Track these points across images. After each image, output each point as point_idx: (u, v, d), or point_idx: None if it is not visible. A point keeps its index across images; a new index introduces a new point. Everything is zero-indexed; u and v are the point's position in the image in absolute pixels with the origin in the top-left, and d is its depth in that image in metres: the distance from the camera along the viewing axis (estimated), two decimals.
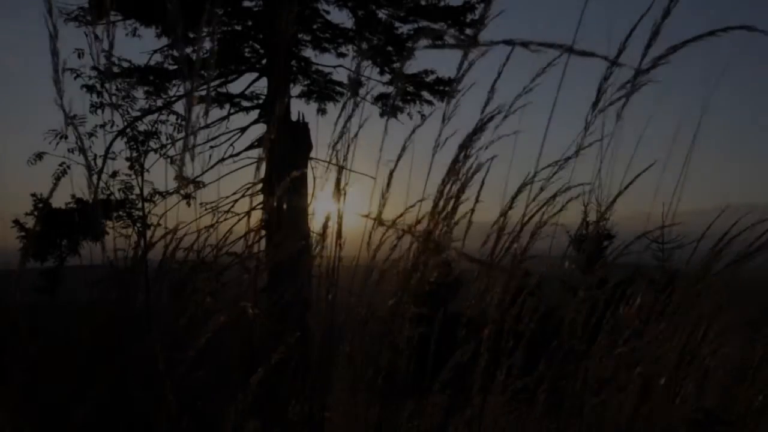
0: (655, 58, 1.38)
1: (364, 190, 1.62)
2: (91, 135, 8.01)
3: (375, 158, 1.58)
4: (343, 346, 1.60)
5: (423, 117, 9.40)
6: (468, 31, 10.18)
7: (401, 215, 1.61)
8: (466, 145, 1.53)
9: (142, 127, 8.09)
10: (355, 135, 1.57)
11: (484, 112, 1.53)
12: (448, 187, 1.55)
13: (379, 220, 1.53)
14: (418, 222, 1.59)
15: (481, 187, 1.69)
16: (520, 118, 1.56)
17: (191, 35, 9.47)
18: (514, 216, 1.69)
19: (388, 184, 1.56)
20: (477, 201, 1.66)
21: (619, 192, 1.69)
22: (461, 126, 1.57)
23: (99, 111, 8.27)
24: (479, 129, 1.52)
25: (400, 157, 1.57)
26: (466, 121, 1.58)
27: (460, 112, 1.55)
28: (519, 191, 1.65)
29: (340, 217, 1.56)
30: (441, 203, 1.55)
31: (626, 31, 1.41)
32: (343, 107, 1.54)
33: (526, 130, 1.60)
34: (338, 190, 1.56)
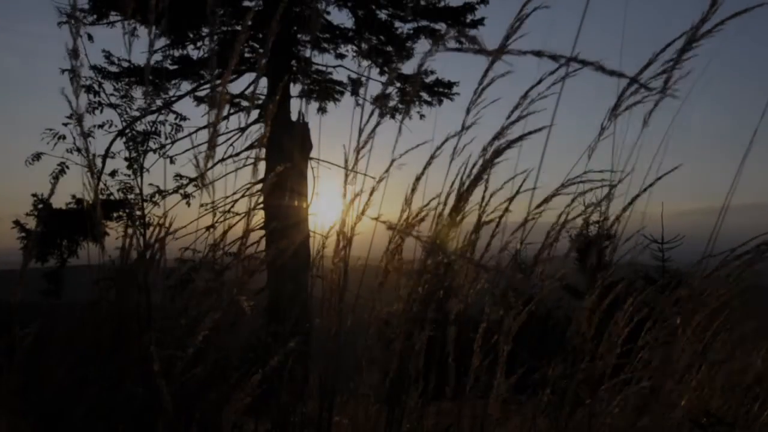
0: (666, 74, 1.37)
1: (376, 192, 1.61)
2: (88, 135, 8.00)
3: (387, 161, 1.57)
4: (352, 349, 1.60)
5: (422, 117, 9.32)
6: (471, 31, 10.15)
7: (419, 219, 1.60)
8: (491, 158, 1.52)
9: (141, 127, 8.09)
10: (364, 138, 1.55)
11: (510, 117, 1.52)
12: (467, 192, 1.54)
13: (395, 227, 1.52)
14: (435, 226, 1.57)
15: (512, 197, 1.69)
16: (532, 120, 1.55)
17: (191, 35, 9.49)
18: (512, 217, 1.69)
19: (413, 190, 1.56)
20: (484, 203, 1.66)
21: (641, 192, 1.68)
22: (478, 133, 1.57)
23: (97, 111, 8.28)
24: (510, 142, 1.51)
25: (428, 164, 1.56)
26: (483, 126, 1.57)
27: (479, 119, 1.54)
28: (548, 199, 1.64)
29: (352, 222, 1.55)
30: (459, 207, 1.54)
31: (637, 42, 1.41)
32: (371, 114, 1.52)
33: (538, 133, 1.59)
34: (353, 195, 1.55)
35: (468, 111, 1.54)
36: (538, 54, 1.06)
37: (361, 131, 1.53)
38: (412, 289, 1.51)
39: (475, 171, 1.56)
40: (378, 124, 1.51)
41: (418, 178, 1.59)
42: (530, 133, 1.53)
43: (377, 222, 1.52)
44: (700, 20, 1.38)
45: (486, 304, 1.66)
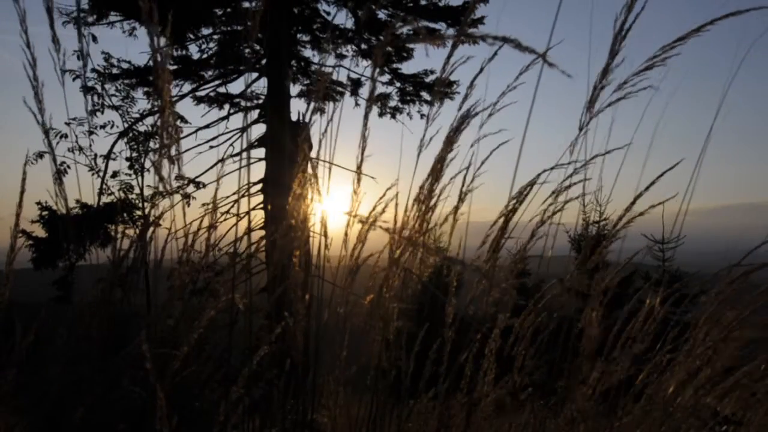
0: (649, 58, 1.39)
1: (348, 187, 1.62)
2: (91, 133, 8.04)
3: (358, 155, 1.58)
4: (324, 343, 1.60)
5: (423, 117, 9.36)
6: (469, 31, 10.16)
7: (373, 210, 1.63)
8: (451, 140, 1.53)
9: (142, 128, 8.09)
10: (325, 129, 1.56)
11: (462, 108, 1.53)
12: (428, 183, 1.55)
13: (356, 216, 1.52)
14: (404, 224, 1.57)
15: (488, 185, 1.69)
16: (509, 116, 1.56)
17: (190, 36, 9.50)
18: (491, 215, 1.70)
19: (358, 180, 1.56)
20: (459, 199, 1.67)
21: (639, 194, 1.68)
22: (445, 125, 1.58)
23: (99, 113, 8.28)
24: (460, 127, 1.52)
25: (363, 149, 1.58)
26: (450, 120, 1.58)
27: (447, 112, 1.56)
28: (524, 193, 1.64)
29: (324, 215, 1.56)
30: (422, 200, 1.54)
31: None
32: (327, 104, 1.54)
33: (513, 129, 1.61)
34: (318, 187, 1.56)
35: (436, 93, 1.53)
36: (468, 36, 1.06)
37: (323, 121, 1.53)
38: (379, 284, 1.51)
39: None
40: (333, 116, 1.51)
41: (359, 167, 1.58)
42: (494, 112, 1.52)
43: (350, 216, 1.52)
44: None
45: (486, 305, 1.66)
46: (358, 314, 1.54)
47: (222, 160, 7.42)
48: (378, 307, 1.47)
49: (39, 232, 8.22)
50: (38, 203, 8.35)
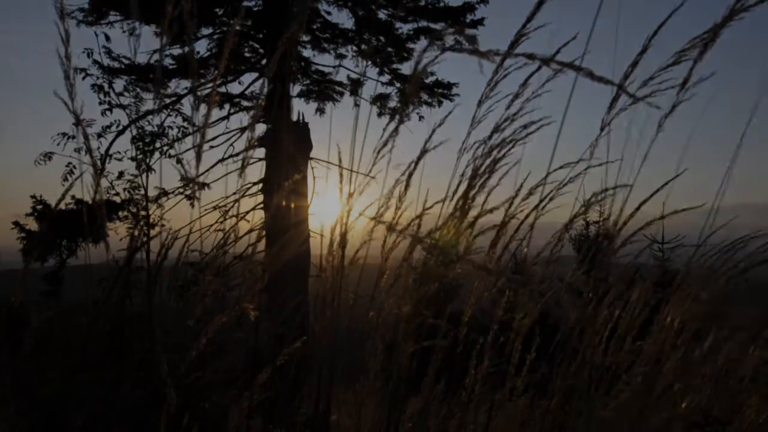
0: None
1: (370, 190, 1.60)
2: (100, 136, 8.01)
3: (384, 159, 1.55)
4: (347, 351, 1.59)
5: (421, 118, 9.30)
6: (469, 31, 10.16)
7: (418, 217, 1.57)
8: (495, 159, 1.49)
9: (149, 127, 8.04)
10: (385, 144, 1.51)
11: (506, 119, 1.49)
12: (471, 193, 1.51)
13: (391, 227, 1.49)
14: (434, 230, 1.54)
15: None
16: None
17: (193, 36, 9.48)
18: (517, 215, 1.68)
19: (406, 187, 1.52)
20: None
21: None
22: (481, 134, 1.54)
23: (108, 112, 8.22)
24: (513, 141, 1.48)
25: (419, 159, 1.53)
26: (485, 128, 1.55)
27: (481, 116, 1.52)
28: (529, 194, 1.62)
29: (345, 222, 1.52)
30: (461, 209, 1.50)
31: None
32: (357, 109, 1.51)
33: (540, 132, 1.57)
34: (347, 194, 1.53)
35: (480, 103, 1.50)
36: (530, 57, 1.05)
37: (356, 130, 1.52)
38: (417, 292, 1.49)
39: (483, 166, 1.52)
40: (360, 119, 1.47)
41: (411, 174, 1.55)
42: (535, 129, 1.50)
43: (375, 222, 1.50)
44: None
45: (490, 305, 1.66)
46: (387, 324, 1.52)
47: (222, 160, 7.40)
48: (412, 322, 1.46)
49: (32, 225, 8.19)
50: (33, 197, 8.32)
